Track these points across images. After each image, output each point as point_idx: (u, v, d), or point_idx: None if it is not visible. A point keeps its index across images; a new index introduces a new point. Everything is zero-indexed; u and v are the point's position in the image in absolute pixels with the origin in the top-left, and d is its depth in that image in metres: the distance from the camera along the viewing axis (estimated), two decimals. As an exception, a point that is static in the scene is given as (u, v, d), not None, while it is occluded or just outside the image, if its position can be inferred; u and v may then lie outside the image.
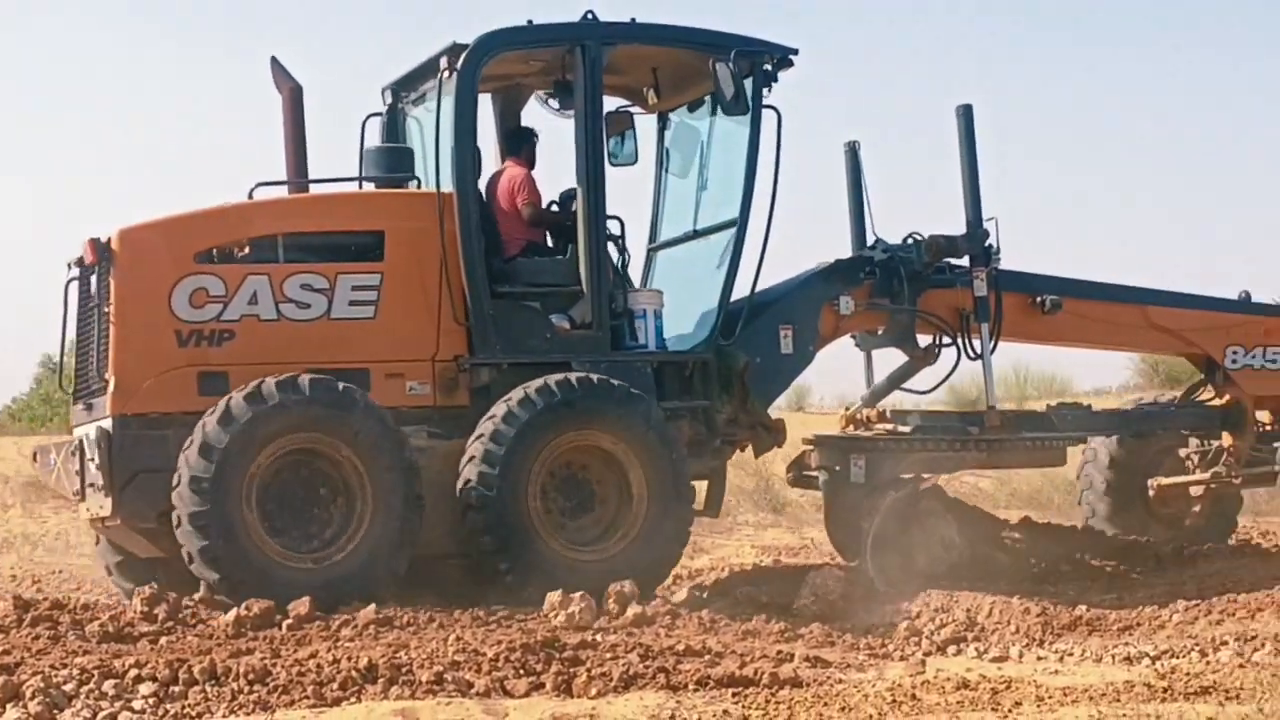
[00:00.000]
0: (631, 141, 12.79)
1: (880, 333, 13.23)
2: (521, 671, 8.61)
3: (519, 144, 12.38)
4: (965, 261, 12.96)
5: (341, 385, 10.85)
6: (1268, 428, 13.99)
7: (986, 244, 12.82)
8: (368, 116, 12.78)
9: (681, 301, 12.52)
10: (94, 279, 11.46)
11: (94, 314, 11.47)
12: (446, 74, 11.66)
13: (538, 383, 11.20)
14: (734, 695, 8.27)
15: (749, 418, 12.35)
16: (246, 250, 11.35)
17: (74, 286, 11.80)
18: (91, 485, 11.26)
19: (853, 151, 13.56)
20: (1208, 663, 9.38)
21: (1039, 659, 9.81)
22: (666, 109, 13.16)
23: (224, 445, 10.48)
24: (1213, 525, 14.41)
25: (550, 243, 12.32)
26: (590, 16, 11.89)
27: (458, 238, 11.54)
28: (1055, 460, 13.33)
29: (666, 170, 13.43)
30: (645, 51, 12.33)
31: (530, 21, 11.87)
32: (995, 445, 12.86)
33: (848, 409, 13.67)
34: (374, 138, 12.73)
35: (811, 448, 12.93)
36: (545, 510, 11.19)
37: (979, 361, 13.13)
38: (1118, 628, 10.70)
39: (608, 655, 9.08)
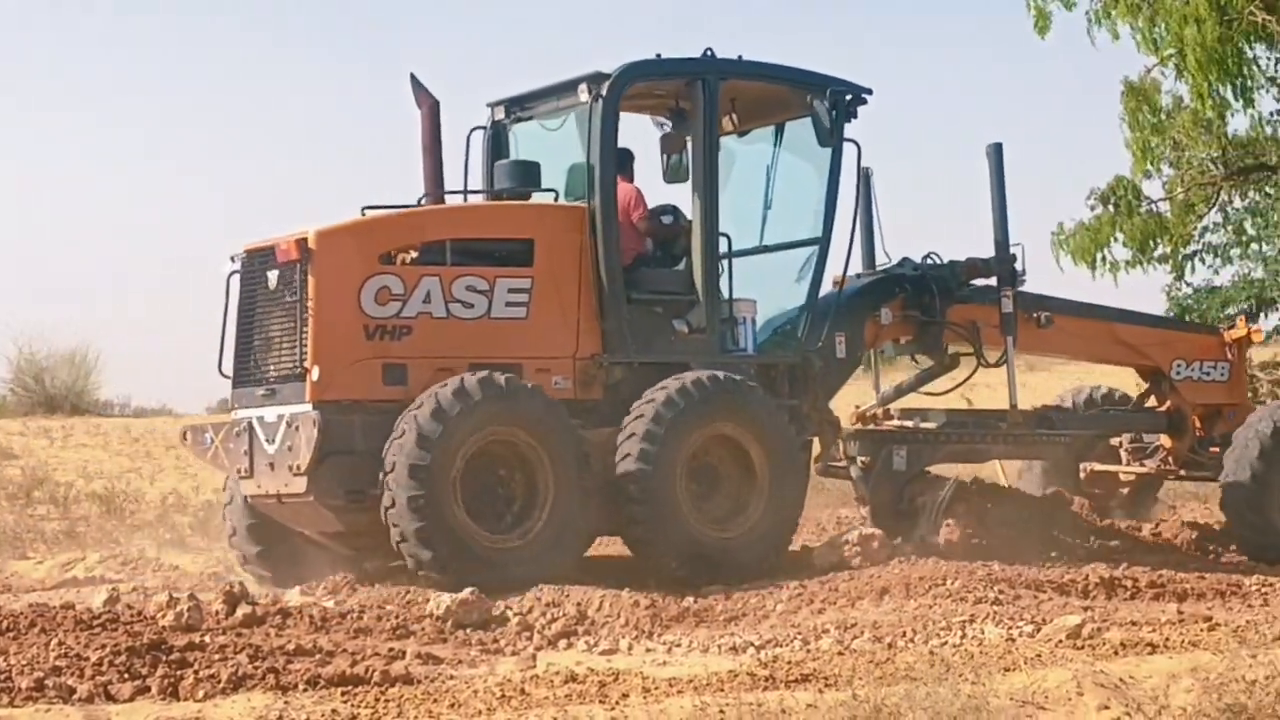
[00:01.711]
0: (685, 161, 14.06)
1: (904, 341, 14.89)
2: (126, 675, 8.53)
3: (624, 163, 13.56)
4: (992, 281, 14.70)
5: (531, 384, 12.07)
6: (1200, 433, 16.09)
7: (1013, 266, 14.61)
8: (472, 130, 13.96)
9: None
10: (274, 274, 12.36)
11: (274, 306, 12.40)
12: (590, 99, 12.88)
13: (688, 377, 12.58)
14: (344, 694, 8.32)
15: (818, 415, 13.90)
16: (418, 253, 12.41)
17: (235, 279, 12.71)
18: (270, 465, 12.22)
19: (866, 178, 15.18)
20: (809, 651, 9.74)
21: (648, 651, 10.09)
22: (740, 134, 14.57)
23: (438, 435, 11.61)
24: (1138, 508, 16.51)
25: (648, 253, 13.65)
26: (709, 53, 13.28)
27: (597, 247, 12.80)
28: (1055, 453, 15.24)
29: (716, 189, 14.82)
30: (738, 85, 13.71)
31: (659, 55, 13.19)
32: (1019, 439, 14.71)
33: (858, 407, 15.32)
34: (475, 149, 13.94)
35: (845, 440, 14.51)
36: (688, 491, 12.55)
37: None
38: (724, 618, 11.05)
39: (216, 656, 9.05)
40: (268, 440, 12.28)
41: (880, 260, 15.09)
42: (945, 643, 9.85)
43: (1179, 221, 21.46)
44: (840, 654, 9.46)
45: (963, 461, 14.52)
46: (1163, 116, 20.38)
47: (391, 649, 9.67)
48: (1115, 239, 20.45)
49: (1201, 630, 10.08)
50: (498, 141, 13.98)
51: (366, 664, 8.93)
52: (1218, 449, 15.44)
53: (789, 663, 9.01)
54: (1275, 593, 12.25)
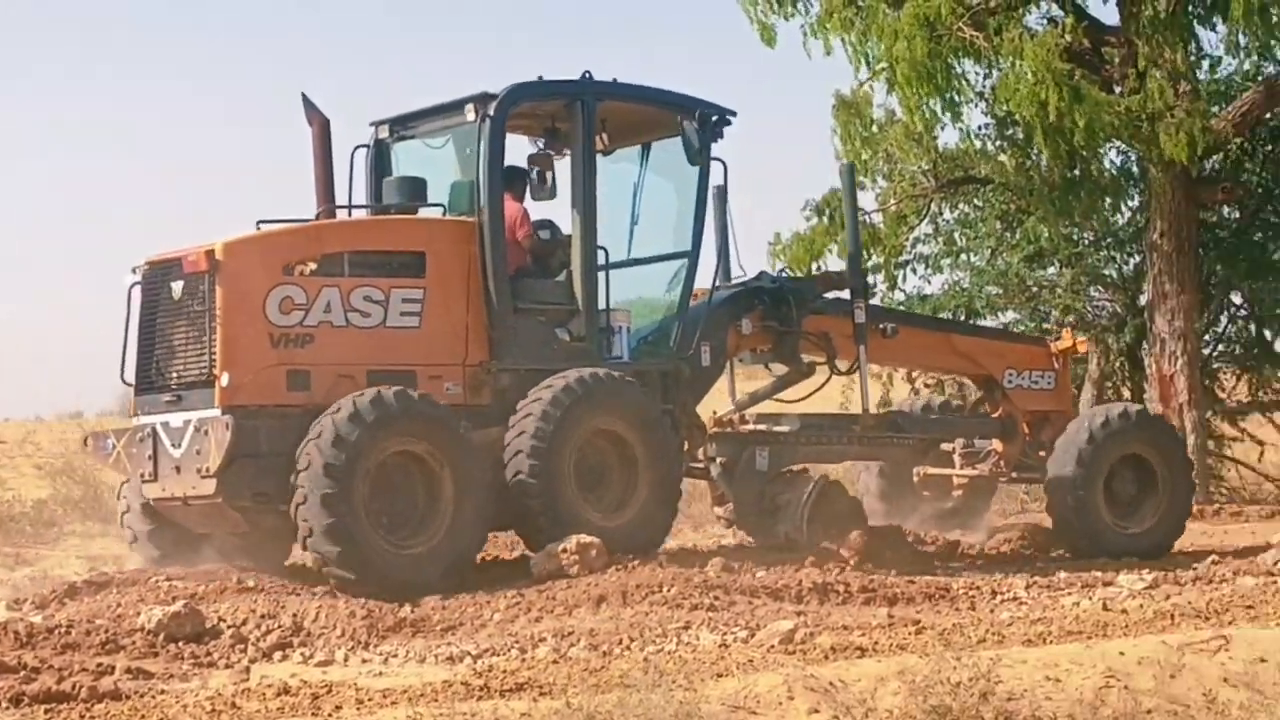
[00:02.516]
0: (552, 179, 14.73)
1: (762, 350, 15.71)
2: None
3: (513, 181, 14.15)
4: (845, 293, 15.59)
5: (442, 401, 12.80)
6: (1028, 438, 17.11)
7: (865, 280, 15.53)
8: (356, 148, 14.51)
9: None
10: (179, 284, 12.82)
11: (179, 316, 12.86)
12: (477, 119, 13.53)
13: (570, 375, 13.29)
14: (48, 712, 8.15)
15: (687, 419, 14.68)
16: (318, 265, 12.96)
17: (136, 290, 13.14)
18: (176, 468, 12.68)
19: (722, 195, 15.98)
20: (525, 660, 9.81)
21: (364, 661, 10.11)
22: (606, 152, 15.26)
23: (354, 438, 12.18)
24: (970, 511, 17.47)
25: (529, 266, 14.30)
26: (587, 75, 14.02)
27: (485, 259, 13.45)
28: (904, 456, 16.15)
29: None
30: (611, 105, 14.42)
31: (541, 78, 13.88)
32: (871, 440, 15.63)
33: (715, 413, 16.10)
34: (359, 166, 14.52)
35: (706, 442, 15.27)
36: (577, 483, 13.25)
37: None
38: (441, 628, 11.05)
39: (-85, 675, 8.81)
40: (173, 445, 12.72)
41: (735, 273, 15.88)
42: (660, 649, 10.04)
43: (891, 232, 22.16)
44: (555, 662, 9.64)
45: (819, 462, 15.35)
46: (875, 130, 21.03)
47: (100, 664, 9.59)
48: (830, 250, 21.06)
49: (910, 634, 10.26)
50: (381, 159, 14.56)
51: (73, 680, 8.87)
52: (1044, 453, 16.44)
53: (504, 672, 9.12)
54: (981, 596, 12.65)
